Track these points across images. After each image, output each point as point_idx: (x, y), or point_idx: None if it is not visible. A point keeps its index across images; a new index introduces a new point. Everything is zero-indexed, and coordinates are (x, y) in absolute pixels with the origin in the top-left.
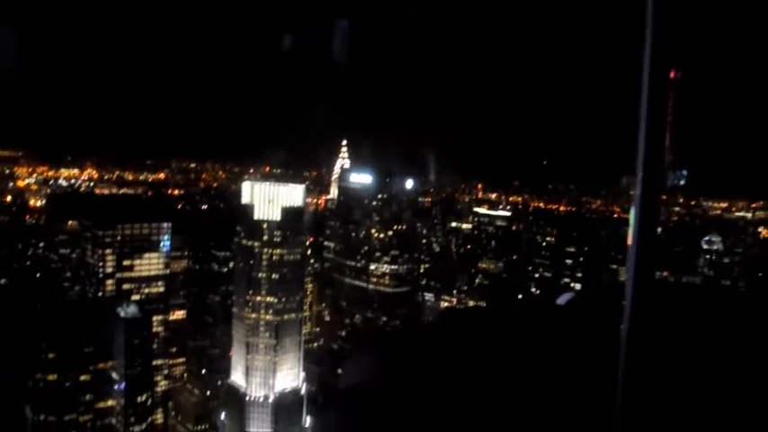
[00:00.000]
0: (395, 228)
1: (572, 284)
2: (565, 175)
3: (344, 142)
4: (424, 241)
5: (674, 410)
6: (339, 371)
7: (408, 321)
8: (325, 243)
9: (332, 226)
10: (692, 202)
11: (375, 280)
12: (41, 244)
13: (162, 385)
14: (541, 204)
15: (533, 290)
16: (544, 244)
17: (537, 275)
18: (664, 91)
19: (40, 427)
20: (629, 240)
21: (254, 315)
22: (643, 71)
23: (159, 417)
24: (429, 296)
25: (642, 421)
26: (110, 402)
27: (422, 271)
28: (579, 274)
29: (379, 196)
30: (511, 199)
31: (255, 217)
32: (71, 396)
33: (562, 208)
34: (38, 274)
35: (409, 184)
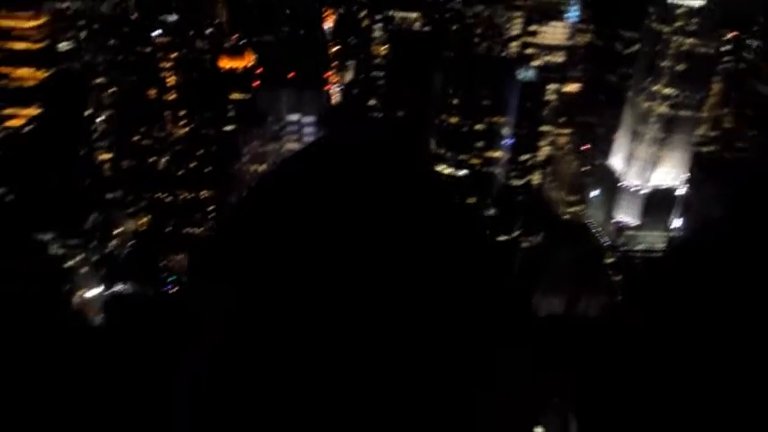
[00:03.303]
0: None
1: None
2: None
3: None
4: None
5: None
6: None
7: None
8: (748, 41)
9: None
10: None
11: None
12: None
13: (544, 151)
14: None
15: None
16: None
17: None
18: None
19: (440, 159)
20: None
21: (647, 104)
22: None
23: (536, 178)
24: None
25: None
26: (496, 154)
27: None
28: None
29: None
30: None
31: (671, 0)
32: (466, 139)
33: None
34: (453, 27)
35: None
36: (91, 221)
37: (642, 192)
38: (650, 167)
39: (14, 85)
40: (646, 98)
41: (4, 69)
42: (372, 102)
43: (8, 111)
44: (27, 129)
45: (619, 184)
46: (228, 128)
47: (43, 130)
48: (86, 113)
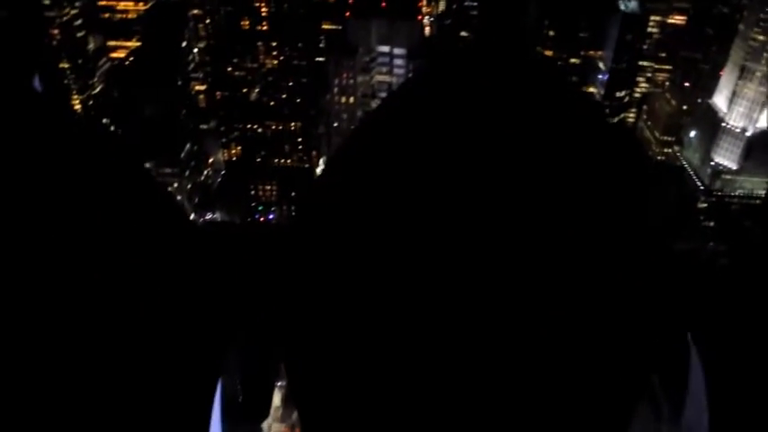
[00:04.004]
0: None
1: None
2: None
3: None
4: None
5: None
6: None
7: None
8: None
9: None
10: None
11: None
12: None
13: (641, 87)
14: None
15: None
16: None
17: None
18: None
19: None
20: None
21: (761, 37)
22: None
23: (631, 116)
24: None
25: None
26: (591, 89)
27: None
28: None
29: None
30: None
31: None
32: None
33: None
34: None
35: None
36: (186, 151)
37: (746, 133)
38: (758, 108)
39: (118, 18)
40: (761, 31)
41: (110, 2)
42: (464, 33)
43: (113, 43)
44: (129, 60)
45: (720, 125)
46: (319, 59)
47: (143, 61)
48: (183, 45)
